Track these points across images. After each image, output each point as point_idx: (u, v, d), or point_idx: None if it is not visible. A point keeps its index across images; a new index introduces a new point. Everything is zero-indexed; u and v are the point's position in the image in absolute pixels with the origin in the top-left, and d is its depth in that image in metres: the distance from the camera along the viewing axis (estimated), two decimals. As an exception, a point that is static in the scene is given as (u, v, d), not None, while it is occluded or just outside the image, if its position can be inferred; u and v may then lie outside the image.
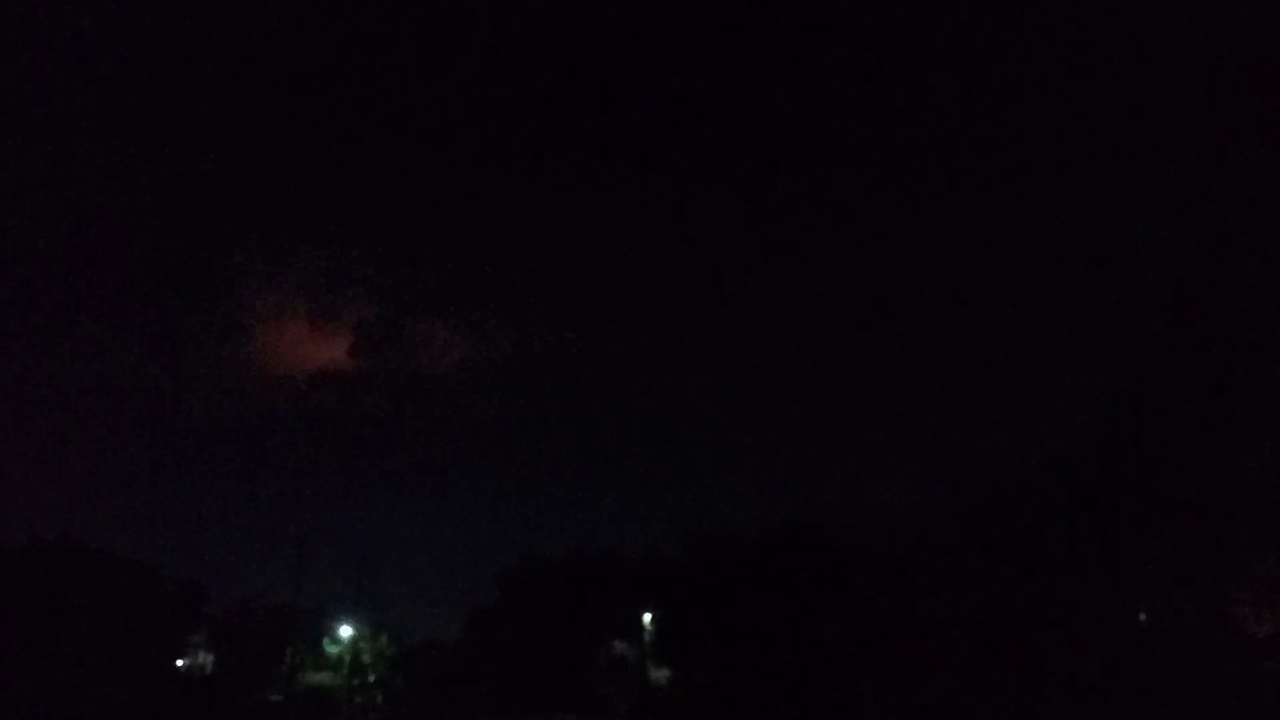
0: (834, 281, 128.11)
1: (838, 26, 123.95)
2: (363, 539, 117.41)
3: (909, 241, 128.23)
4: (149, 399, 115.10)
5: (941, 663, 40.05)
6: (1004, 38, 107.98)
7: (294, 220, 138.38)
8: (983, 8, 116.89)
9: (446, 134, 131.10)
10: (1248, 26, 30.92)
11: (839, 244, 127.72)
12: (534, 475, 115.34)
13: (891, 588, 44.21)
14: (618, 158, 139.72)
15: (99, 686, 49.23)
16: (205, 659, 62.10)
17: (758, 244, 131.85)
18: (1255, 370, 30.57)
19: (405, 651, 68.67)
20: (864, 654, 43.04)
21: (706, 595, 50.97)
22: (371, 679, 66.89)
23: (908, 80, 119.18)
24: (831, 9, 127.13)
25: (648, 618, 59.04)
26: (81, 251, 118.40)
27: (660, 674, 58.19)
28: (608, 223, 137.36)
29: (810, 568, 47.50)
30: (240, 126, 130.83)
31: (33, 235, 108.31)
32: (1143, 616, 36.14)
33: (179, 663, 60.97)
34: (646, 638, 59.28)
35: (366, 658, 66.45)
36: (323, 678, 64.33)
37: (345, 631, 65.84)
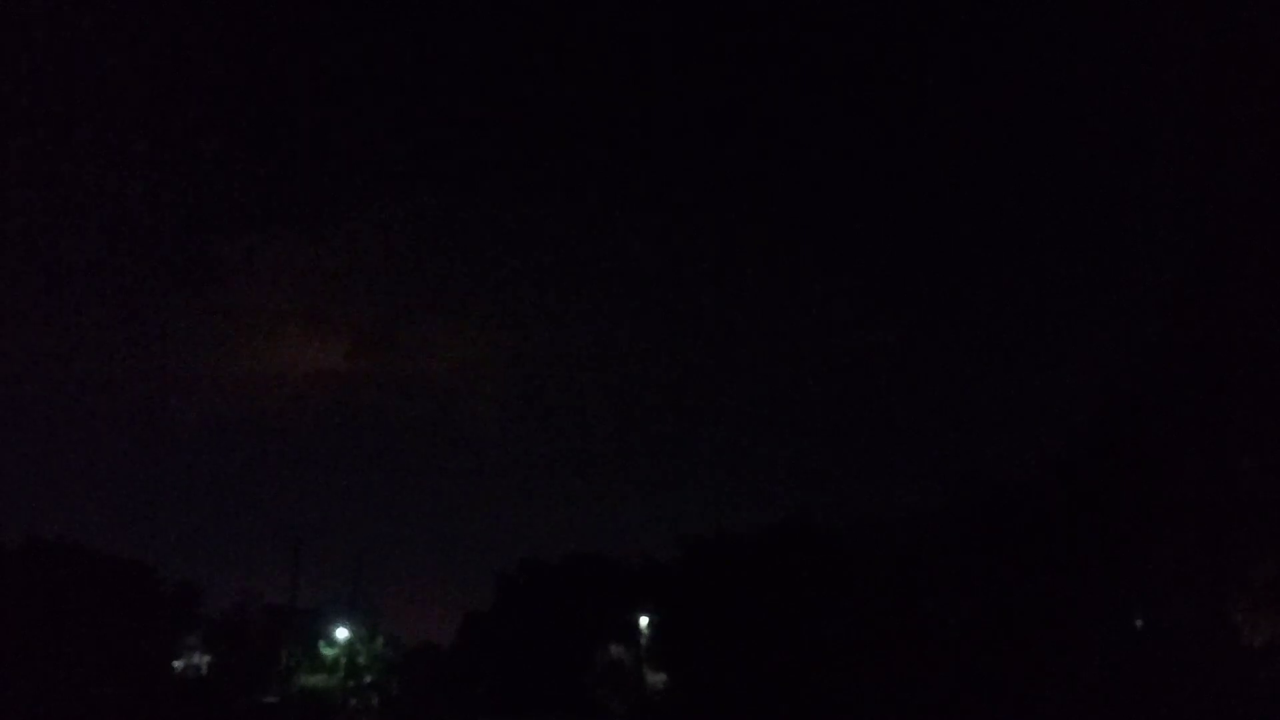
0: (835, 284, 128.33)
1: (840, 27, 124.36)
2: (360, 541, 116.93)
3: (909, 244, 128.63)
4: (146, 399, 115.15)
5: (941, 665, 39.98)
6: (1005, 38, 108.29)
7: (294, 222, 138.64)
8: (984, 8, 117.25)
9: (449, 135, 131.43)
10: (1248, 26, 30.98)
11: (840, 247, 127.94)
12: (531, 478, 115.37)
13: (891, 590, 44.15)
14: (620, 159, 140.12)
15: (96, 687, 49.23)
16: (202, 660, 61.95)
17: (759, 246, 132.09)
18: (1256, 372, 30.50)
19: (402, 654, 68.53)
20: (863, 656, 42.97)
21: (704, 598, 50.90)
22: (368, 681, 66.72)
23: (908, 82, 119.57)
24: (833, 9, 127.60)
25: (644, 621, 58.96)
26: (78, 252, 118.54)
27: (657, 678, 58.13)
28: (609, 225, 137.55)
29: (808, 570, 47.45)
30: (239, 128, 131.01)
31: (30, 236, 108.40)
32: (1139, 622, 36.08)
33: (176, 664, 60.85)
34: (643, 641, 59.21)
35: (363, 660, 66.31)
36: (319, 680, 64.12)
37: (342, 634, 65.68)
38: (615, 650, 60.62)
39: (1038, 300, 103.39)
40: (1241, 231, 31.47)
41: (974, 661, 39.10)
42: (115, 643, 51.29)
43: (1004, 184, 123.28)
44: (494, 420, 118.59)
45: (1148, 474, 32.79)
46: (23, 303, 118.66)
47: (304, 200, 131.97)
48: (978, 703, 38.07)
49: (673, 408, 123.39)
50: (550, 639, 60.13)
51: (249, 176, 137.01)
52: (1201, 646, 31.44)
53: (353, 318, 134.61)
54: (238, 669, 60.90)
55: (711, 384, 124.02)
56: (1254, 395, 30.58)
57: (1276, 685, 30.53)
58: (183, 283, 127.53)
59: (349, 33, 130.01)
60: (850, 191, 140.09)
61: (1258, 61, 30.72)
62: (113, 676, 50.72)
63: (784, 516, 51.75)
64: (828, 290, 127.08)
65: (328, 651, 65.27)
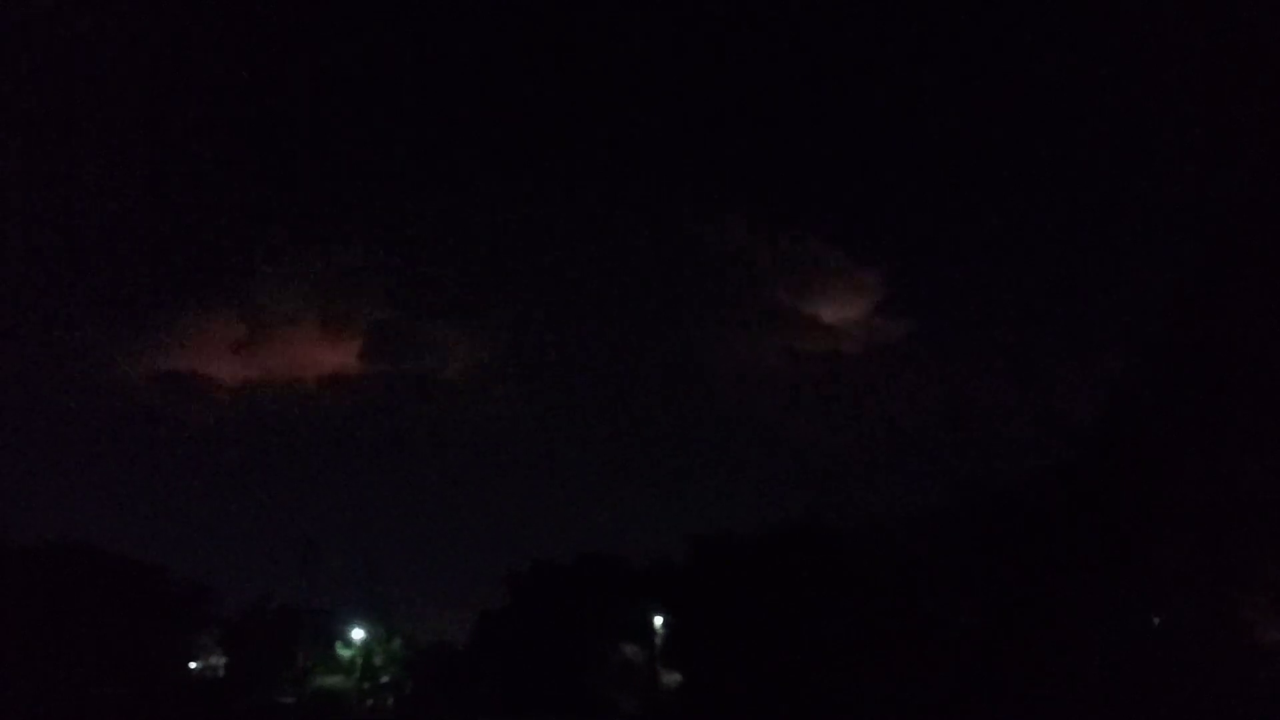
0: (836, 285, 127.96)
1: (842, 27, 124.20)
2: (374, 541, 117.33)
3: (910, 244, 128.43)
4: (158, 401, 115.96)
5: (960, 668, 39.96)
6: (1006, 39, 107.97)
7: (305, 224, 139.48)
8: (986, 9, 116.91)
9: (457, 136, 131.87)
10: (1248, 26, 30.90)
11: (841, 246, 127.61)
12: (543, 477, 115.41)
13: (908, 591, 44.16)
14: (628, 158, 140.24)
15: (113, 687, 49.79)
16: (218, 661, 62.53)
17: (764, 248, 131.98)
18: (1259, 372, 30.43)
19: (416, 654, 68.86)
20: (878, 658, 42.98)
21: (718, 598, 51.06)
22: (383, 681, 67.16)
23: (907, 83, 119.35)
24: (834, 9, 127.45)
25: (659, 621, 59.13)
26: (92, 254, 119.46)
27: (671, 678, 58.30)
28: (617, 225, 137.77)
29: (822, 570, 47.51)
30: (249, 130, 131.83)
31: (42, 238, 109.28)
32: (1157, 620, 35.97)
33: (193, 665, 61.52)
34: (658, 641, 59.37)
35: (378, 661, 66.73)
36: (334, 681, 64.63)
37: (357, 634, 66.16)
38: (629, 650, 60.80)
39: (1040, 301, 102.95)
40: (1243, 232, 31.42)
41: (989, 665, 39.03)
42: (131, 643, 51.94)
43: (1004, 186, 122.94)
44: (507, 420, 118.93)
45: (1150, 475, 32.75)
46: (36, 304, 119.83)
47: (314, 201, 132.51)
48: (993, 707, 38.01)
49: (679, 408, 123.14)
50: (562, 639, 60.35)
51: (260, 180, 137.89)
52: (1204, 647, 31.40)
53: (366, 320, 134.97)
54: (254, 670, 61.44)
55: (715, 385, 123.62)
56: (1257, 396, 30.53)
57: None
58: (195, 286, 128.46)
59: (358, 35, 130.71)
60: (852, 192, 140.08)
61: (1258, 61, 30.67)
62: (129, 677, 51.36)
63: (793, 517, 51.82)
64: (829, 291, 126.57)
65: (344, 652, 65.78)
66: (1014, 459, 40.80)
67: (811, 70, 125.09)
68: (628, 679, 60.26)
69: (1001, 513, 40.42)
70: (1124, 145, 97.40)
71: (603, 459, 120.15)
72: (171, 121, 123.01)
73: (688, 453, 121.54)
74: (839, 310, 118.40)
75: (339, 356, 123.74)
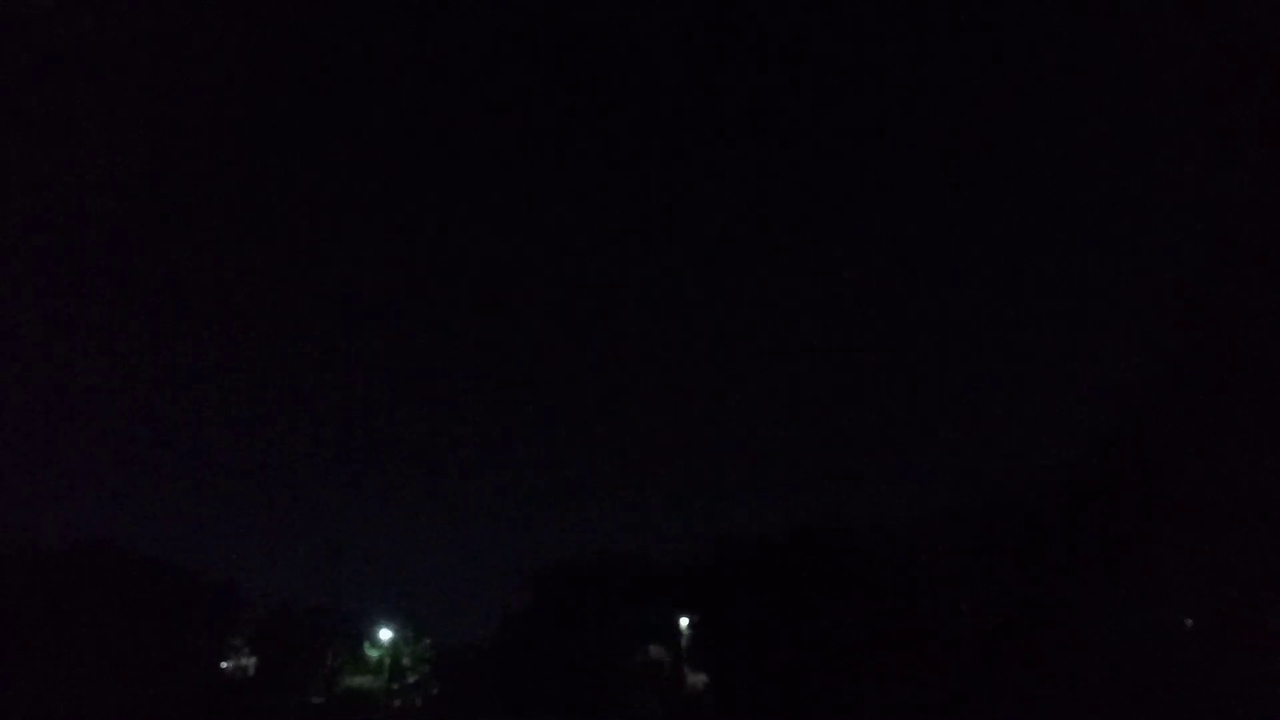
0: (851, 291, 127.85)
1: (844, 26, 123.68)
2: (401, 542, 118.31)
3: (911, 245, 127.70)
4: (188, 405, 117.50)
5: (991, 670, 39.94)
6: (1008, 39, 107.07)
7: (313, 226, 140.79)
8: (988, 9, 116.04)
9: (463, 137, 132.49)
10: (1248, 27, 30.75)
11: (841, 247, 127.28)
12: (566, 478, 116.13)
13: (933, 592, 44.21)
14: (636, 157, 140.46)
15: (143, 688, 50.79)
16: (248, 661, 63.50)
17: (779, 252, 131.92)
18: (1261, 374, 30.33)
19: (443, 654, 69.50)
20: (907, 658, 43.08)
21: (744, 599, 51.21)
22: (411, 681, 67.89)
23: (910, 83, 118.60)
24: (835, 8, 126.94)
25: (684, 622, 59.30)
26: (113, 257, 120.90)
27: (697, 679, 58.49)
28: (631, 226, 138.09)
29: (850, 571, 47.61)
30: (257, 130, 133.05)
31: (49, 239, 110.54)
32: (1158, 620, 35.85)
33: (224, 665, 62.55)
34: (684, 642, 59.53)
35: (406, 661, 67.47)
36: (363, 681, 65.42)
37: (385, 635, 66.96)
38: (655, 651, 61.00)
39: (1043, 304, 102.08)
40: (1245, 235, 31.31)
41: (1018, 667, 38.98)
42: (164, 644, 52.97)
43: (1008, 188, 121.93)
44: (532, 420, 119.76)
45: (1153, 475, 32.73)
46: (65, 308, 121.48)
47: (318, 206, 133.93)
48: (1017, 705, 37.97)
49: (698, 410, 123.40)
50: (587, 639, 60.63)
51: (266, 179, 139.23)
52: (1207, 646, 31.35)
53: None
54: (284, 670, 62.33)
55: (734, 387, 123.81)
56: (1259, 397, 30.43)
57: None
58: (220, 288, 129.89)
59: (358, 35, 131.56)
60: (855, 195, 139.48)
61: (1258, 61, 30.53)
62: (162, 678, 52.39)
63: (811, 518, 51.94)
64: (848, 299, 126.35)
65: (372, 653, 66.60)
66: (1029, 460, 40.83)
67: (812, 70, 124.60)
68: (653, 680, 60.39)
69: (1032, 512, 40.37)
70: (1125, 146, 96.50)
71: (627, 460, 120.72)
72: (178, 123, 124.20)
73: (711, 452, 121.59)
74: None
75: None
